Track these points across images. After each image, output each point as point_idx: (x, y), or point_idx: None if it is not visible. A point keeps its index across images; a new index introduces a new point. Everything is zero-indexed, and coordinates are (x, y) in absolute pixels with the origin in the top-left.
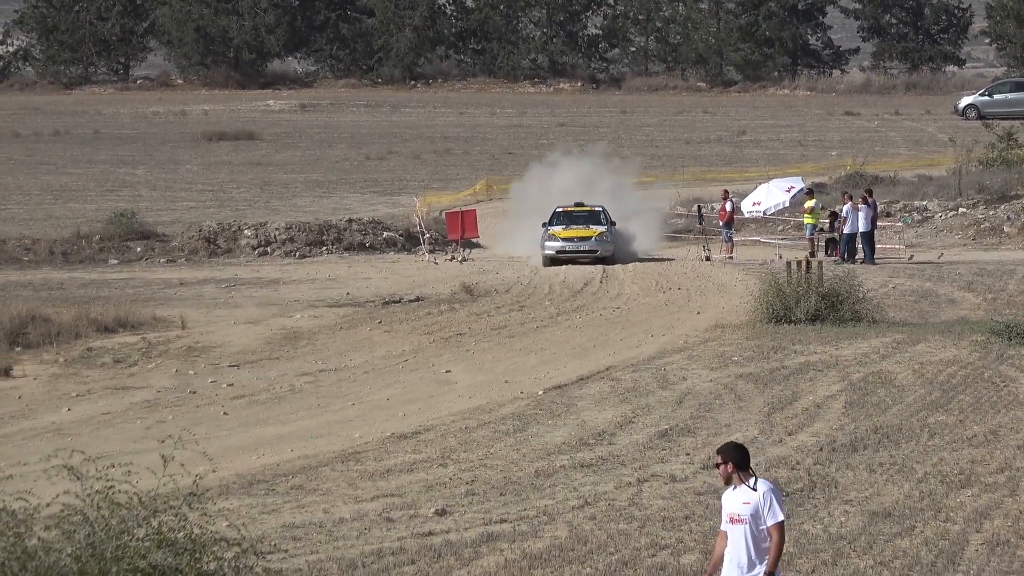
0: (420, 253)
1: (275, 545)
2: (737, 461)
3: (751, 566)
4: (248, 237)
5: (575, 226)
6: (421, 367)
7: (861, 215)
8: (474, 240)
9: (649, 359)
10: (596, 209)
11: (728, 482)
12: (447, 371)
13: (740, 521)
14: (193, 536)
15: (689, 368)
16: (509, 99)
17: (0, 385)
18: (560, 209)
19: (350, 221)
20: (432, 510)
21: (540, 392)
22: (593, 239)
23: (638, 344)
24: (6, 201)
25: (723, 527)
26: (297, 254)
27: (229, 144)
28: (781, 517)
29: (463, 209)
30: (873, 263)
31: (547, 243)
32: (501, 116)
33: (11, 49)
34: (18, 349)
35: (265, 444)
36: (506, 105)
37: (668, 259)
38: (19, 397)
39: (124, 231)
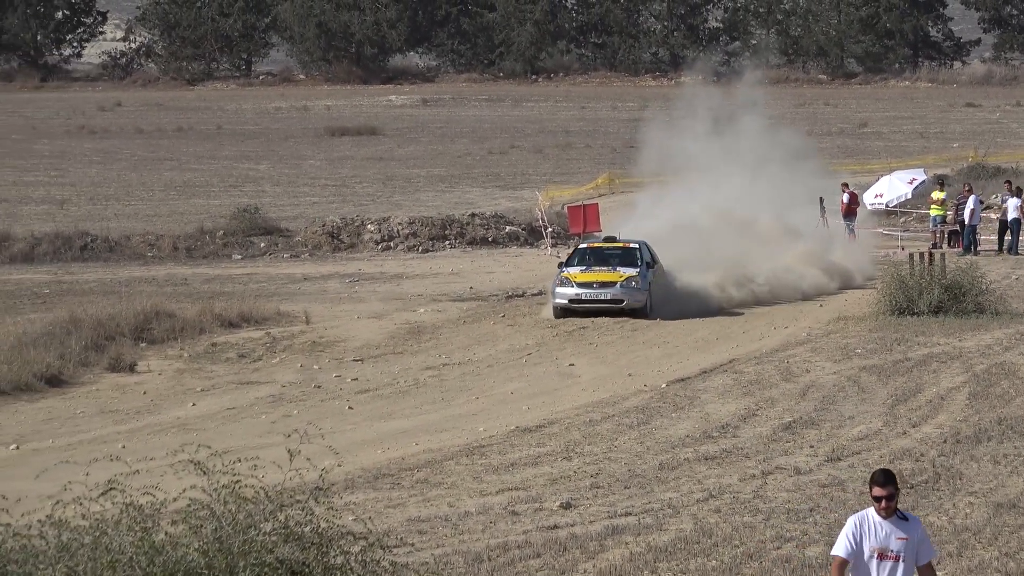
0: (543, 247)
1: (401, 539)
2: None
3: None
4: (371, 232)
5: (598, 268)
6: (544, 361)
7: (1011, 205)
8: (596, 234)
9: (772, 352)
10: (631, 246)
11: (889, 515)
12: (570, 364)
13: (891, 557)
14: (320, 530)
15: (812, 360)
16: (630, 93)
17: (125, 381)
18: (584, 245)
19: (473, 215)
20: (557, 503)
21: (663, 385)
22: (618, 285)
23: (761, 337)
24: (130, 197)
25: (844, 554)
26: (420, 248)
27: (351, 139)
28: (935, 552)
29: (585, 203)
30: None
31: (558, 289)
32: (622, 110)
33: (134, 45)
34: (143, 345)
35: (390, 438)
36: (627, 99)
37: None
38: (144, 393)
39: (248, 226)
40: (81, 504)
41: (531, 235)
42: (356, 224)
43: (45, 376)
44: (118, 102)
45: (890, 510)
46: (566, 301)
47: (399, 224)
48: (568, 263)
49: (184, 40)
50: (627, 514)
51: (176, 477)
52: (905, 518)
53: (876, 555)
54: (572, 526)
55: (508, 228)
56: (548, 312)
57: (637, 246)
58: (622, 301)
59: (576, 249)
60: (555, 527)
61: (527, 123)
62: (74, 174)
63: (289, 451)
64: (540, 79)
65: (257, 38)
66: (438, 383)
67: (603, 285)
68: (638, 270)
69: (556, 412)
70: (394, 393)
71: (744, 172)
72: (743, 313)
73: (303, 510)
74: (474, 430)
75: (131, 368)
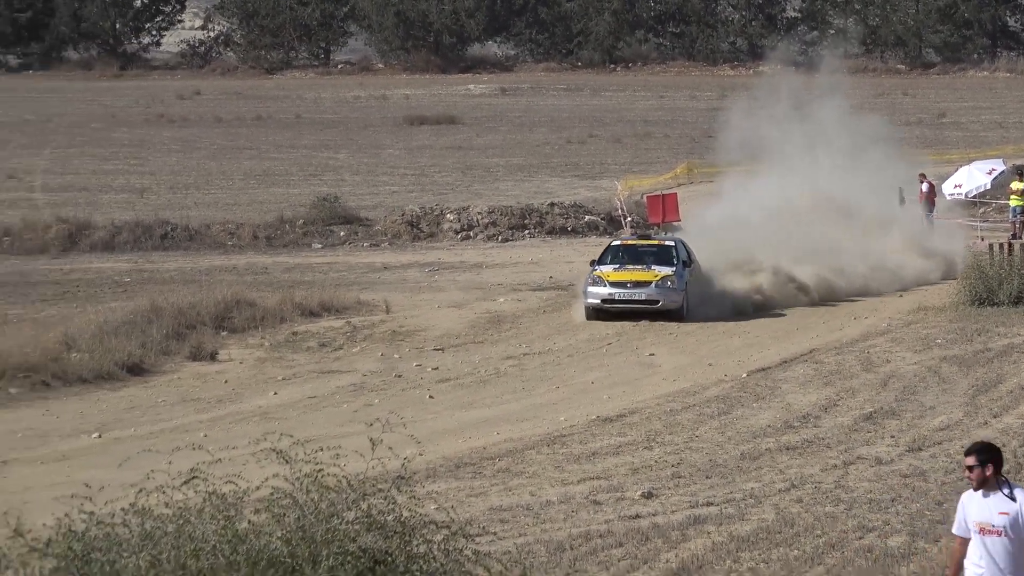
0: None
1: (483, 528)
2: (997, 463)
3: None
4: (451, 221)
5: (632, 266)
6: (625, 350)
7: None
8: (675, 223)
9: (852, 342)
10: (667, 244)
11: (982, 486)
12: (651, 354)
13: (994, 532)
14: (402, 519)
15: (892, 351)
16: (708, 82)
17: (207, 369)
18: (618, 243)
19: (552, 205)
20: (639, 493)
21: (744, 375)
22: (653, 285)
23: (841, 327)
24: (210, 186)
25: (956, 531)
26: (499, 238)
27: (430, 128)
28: None
29: (664, 192)
30: None
31: (589, 288)
32: (701, 99)
33: (213, 34)
34: (224, 333)
35: (471, 427)
36: (705, 88)
37: None
38: (226, 381)
39: (327, 215)
40: (164, 493)
41: (610, 224)
42: (436, 213)
43: (127, 365)
44: (197, 91)
45: (979, 481)
46: (598, 301)
47: (479, 213)
48: (600, 261)
49: (263, 29)
50: (709, 504)
51: (258, 466)
52: (1012, 495)
53: (979, 530)
54: (654, 515)
55: (587, 218)
56: (579, 313)
57: (673, 243)
58: (657, 302)
59: (609, 246)
60: (637, 516)
61: (605, 112)
62: (154, 163)
63: (371, 440)
64: (618, 68)
65: (335, 27)
66: (519, 372)
67: (637, 285)
68: (674, 269)
69: (637, 402)
70: (475, 382)
71: (828, 160)
72: (822, 304)
73: (385, 499)
74: (555, 419)
75: (212, 357)
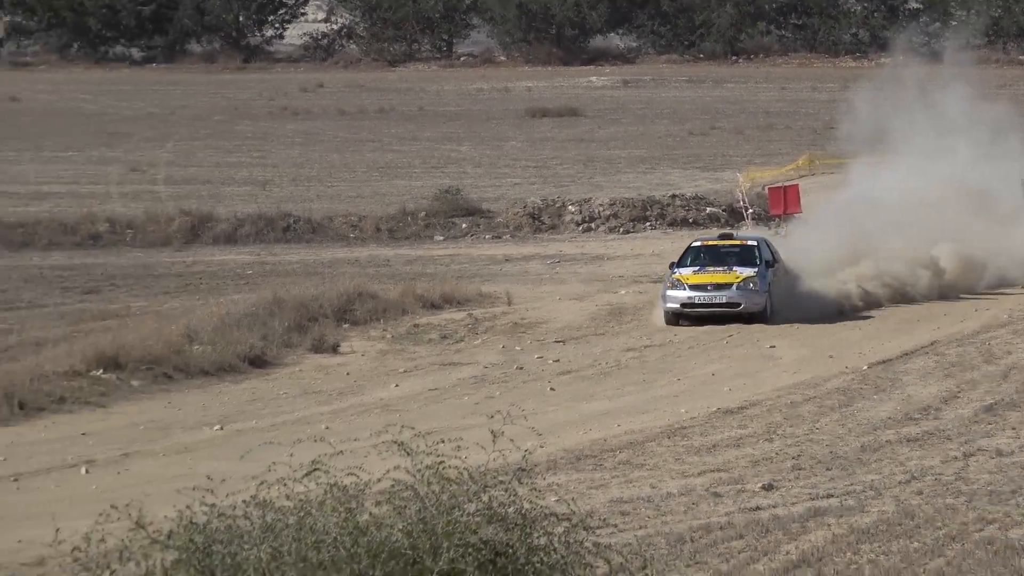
0: (742, 228)
1: (604, 520)
2: None
3: None
4: (572, 213)
5: (713, 268)
6: (746, 342)
7: None
8: (796, 215)
9: (974, 333)
10: (749, 243)
11: None
12: (771, 346)
13: None
14: (523, 511)
15: (1014, 343)
16: (830, 74)
17: (329, 362)
18: (698, 243)
19: (673, 197)
20: (759, 485)
21: (865, 367)
22: (734, 287)
23: (962, 319)
24: (332, 178)
25: None
26: (621, 230)
27: (552, 120)
28: None
29: (786, 184)
30: None
31: (669, 292)
32: (822, 91)
33: (335, 27)
34: (345, 326)
35: (592, 419)
36: (827, 80)
37: None
38: (347, 373)
39: (449, 207)
40: (285, 485)
41: (731, 216)
42: (557, 205)
43: (248, 357)
44: (320, 83)
45: None
46: (678, 305)
47: (600, 205)
48: (680, 263)
49: (385, 22)
50: (829, 496)
51: (380, 458)
52: None
53: None
54: (774, 507)
55: (708, 209)
56: (659, 318)
57: (755, 243)
58: (739, 305)
59: (689, 247)
60: (757, 508)
61: (727, 104)
62: (276, 155)
63: (492, 432)
64: (740, 60)
65: (458, 20)
66: (639, 364)
67: (718, 287)
68: (756, 270)
69: (757, 394)
70: (596, 374)
71: (959, 149)
72: (944, 296)
73: (506, 491)
74: (676, 411)
75: (334, 349)
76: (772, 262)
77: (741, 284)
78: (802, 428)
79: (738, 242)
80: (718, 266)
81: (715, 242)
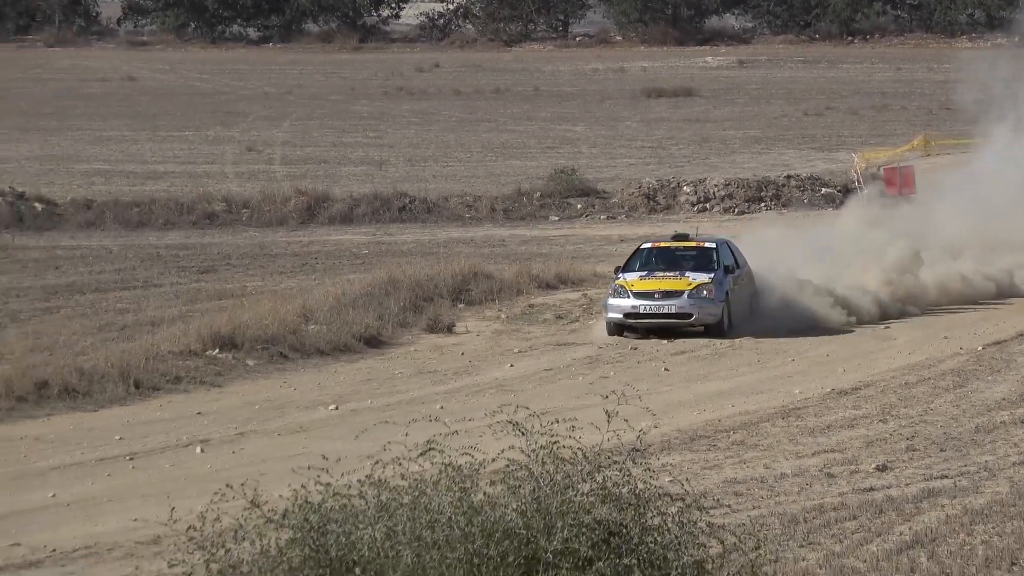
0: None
1: (717, 500)
2: None
3: None
4: (687, 193)
5: (663, 274)
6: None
7: None
8: (911, 196)
9: None
10: (707, 246)
11: None
12: (886, 327)
13: None
14: (637, 491)
15: None
16: (946, 54)
17: (444, 342)
18: (648, 245)
19: (788, 177)
20: (873, 466)
21: (979, 348)
22: (685, 295)
23: None
24: (448, 158)
25: None
26: (736, 210)
27: (668, 101)
28: None
29: (901, 165)
30: None
31: (610, 301)
32: (939, 72)
33: (452, 7)
34: (461, 306)
35: (706, 400)
36: (943, 60)
37: None
38: (462, 354)
39: (565, 188)
40: (400, 464)
41: (846, 197)
42: (672, 186)
43: (364, 337)
44: (436, 63)
45: None
46: (620, 315)
47: (715, 186)
48: (626, 267)
49: (501, 2)
50: (943, 477)
51: (494, 438)
52: None
53: None
54: (888, 488)
55: (824, 190)
56: (600, 330)
57: (715, 246)
58: (690, 315)
59: (638, 249)
60: (871, 489)
61: (842, 85)
62: (392, 135)
63: (606, 412)
64: (856, 41)
65: (574, 0)
66: (754, 345)
67: (667, 295)
68: (712, 276)
69: (872, 375)
70: (710, 355)
71: None
72: None
73: (620, 471)
74: (790, 392)
75: (449, 329)
76: (733, 267)
77: (693, 292)
78: (916, 409)
79: (694, 244)
80: (669, 271)
81: (668, 244)
